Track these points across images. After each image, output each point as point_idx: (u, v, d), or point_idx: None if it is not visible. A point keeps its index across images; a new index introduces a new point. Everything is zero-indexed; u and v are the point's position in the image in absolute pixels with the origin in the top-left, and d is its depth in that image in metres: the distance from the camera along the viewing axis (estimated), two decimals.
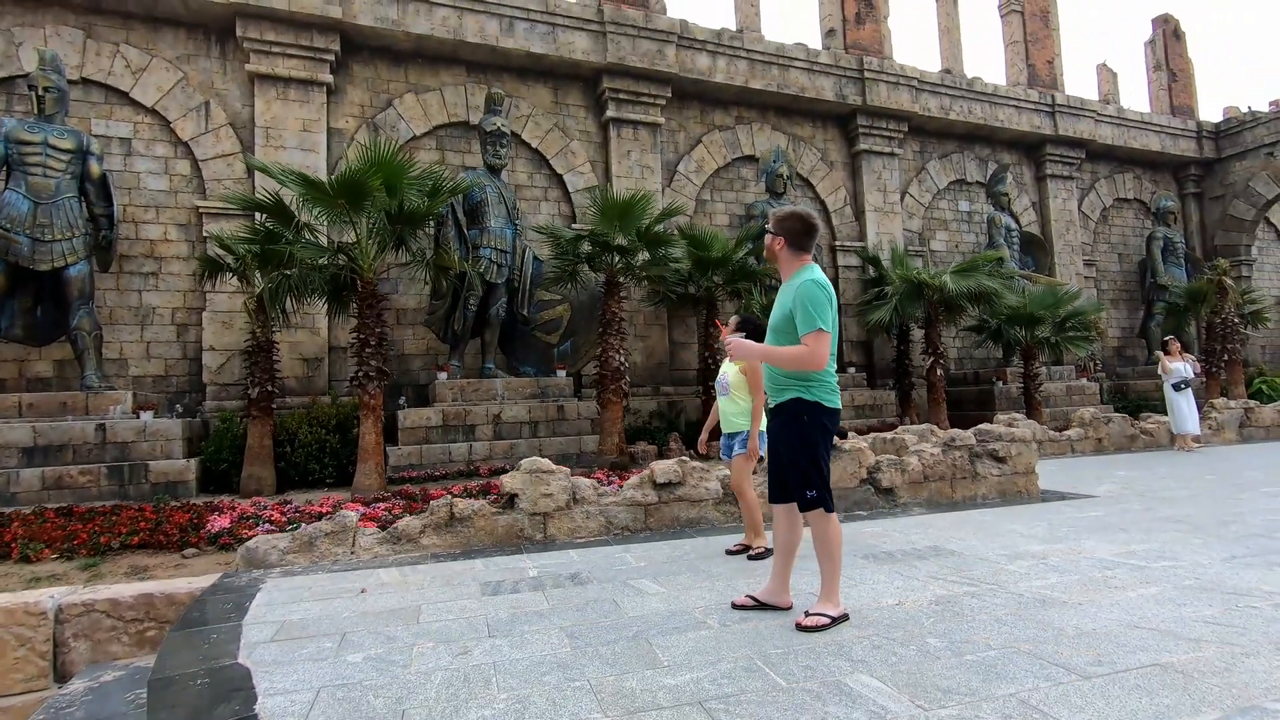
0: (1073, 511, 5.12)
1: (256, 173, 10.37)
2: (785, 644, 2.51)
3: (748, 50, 13.50)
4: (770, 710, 1.97)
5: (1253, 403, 10.70)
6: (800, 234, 2.91)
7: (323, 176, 10.51)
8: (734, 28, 14.14)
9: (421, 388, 11.07)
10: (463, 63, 11.97)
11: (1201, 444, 9.77)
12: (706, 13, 71.46)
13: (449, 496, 4.32)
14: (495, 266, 10.59)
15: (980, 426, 5.59)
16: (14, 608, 3.23)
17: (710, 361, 11.74)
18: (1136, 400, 15.31)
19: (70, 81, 9.39)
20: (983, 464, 5.42)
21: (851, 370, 13.31)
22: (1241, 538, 4.15)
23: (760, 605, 2.94)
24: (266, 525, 5.32)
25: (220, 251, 8.83)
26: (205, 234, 10.24)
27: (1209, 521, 4.63)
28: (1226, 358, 14.43)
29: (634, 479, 4.62)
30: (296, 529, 4.37)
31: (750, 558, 4.07)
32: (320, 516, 5.42)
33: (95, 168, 9.06)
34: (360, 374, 8.10)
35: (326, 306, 9.37)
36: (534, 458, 4.31)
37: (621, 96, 12.56)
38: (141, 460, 8.40)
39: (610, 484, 5.77)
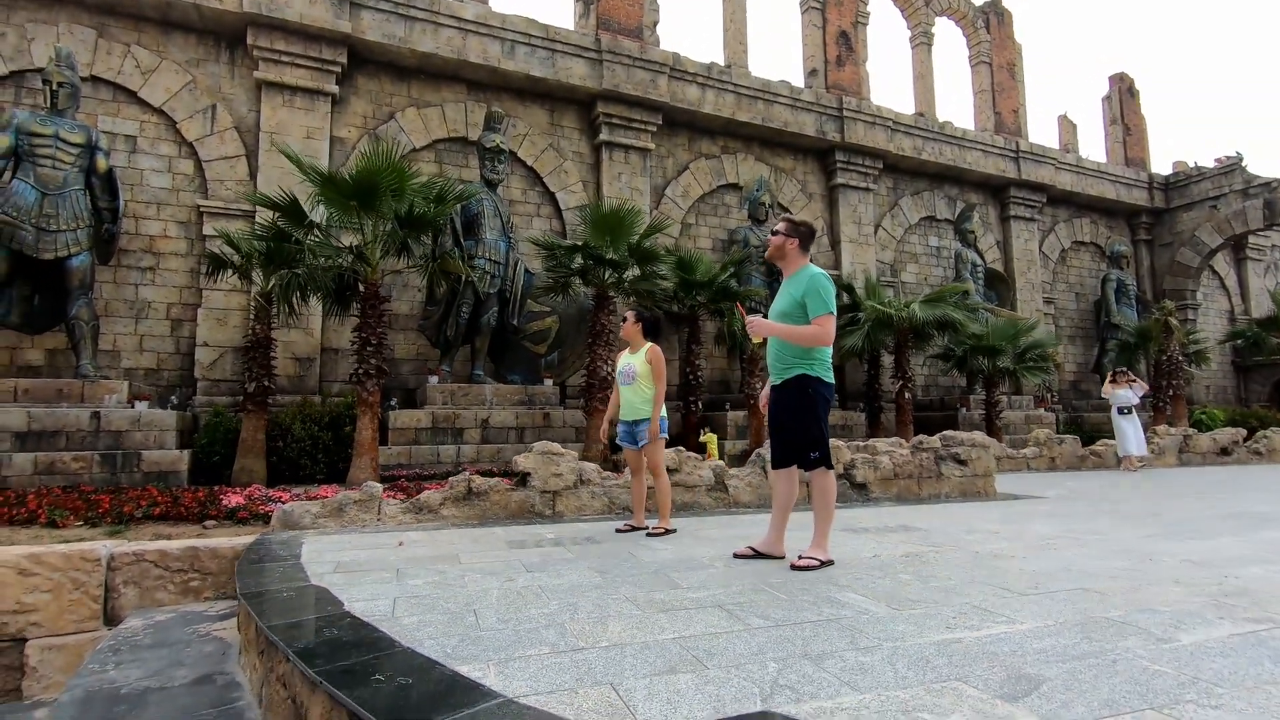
0: (1024, 507, 5.70)
1: (258, 177, 10.69)
2: (783, 577, 2.95)
3: (735, 84, 14.24)
4: (776, 609, 2.40)
5: (1191, 430, 11.52)
6: (808, 237, 3.45)
7: None
8: (723, 63, 14.90)
9: (410, 391, 11.32)
10: (464, 81, 12.46)
11: (1145, 465, 10.50)
12: (697, 46, 73.72)
13: (467, 473, 4.67)
14: (489, 276, 10.98)
15: (945, 432, 6.13)
16: (71, 554, 3.49)
17: (691, 378, 12.25)
18: (1090, 431, 16.14)
19: (80, 78, 9.64)
20: (947, 465, 5.94)
21: None
22: (1162, 525, 4.81)
23: (758, 554, 3.39)
24: (276, 505, 5.57)
25: (227, 249, 9.09)
26: (206, 233, 10.48)
27: (1138, 515, 5.27)
28: (1171, 393, 15.36)
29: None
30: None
31: (649, 535, 4.29)
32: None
33: (102, 162, 9.28)
34: (360, 371, 8.38)
35: (325, 307, 9.65)
36: (545, 441, 4.69)
37: (615, 121, 13.16)
38: (135, 449, 8.52)
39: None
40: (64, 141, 8.93)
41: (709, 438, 11.40)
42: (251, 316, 9.19)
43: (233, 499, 5.44)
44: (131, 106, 10.47)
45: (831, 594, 2.62)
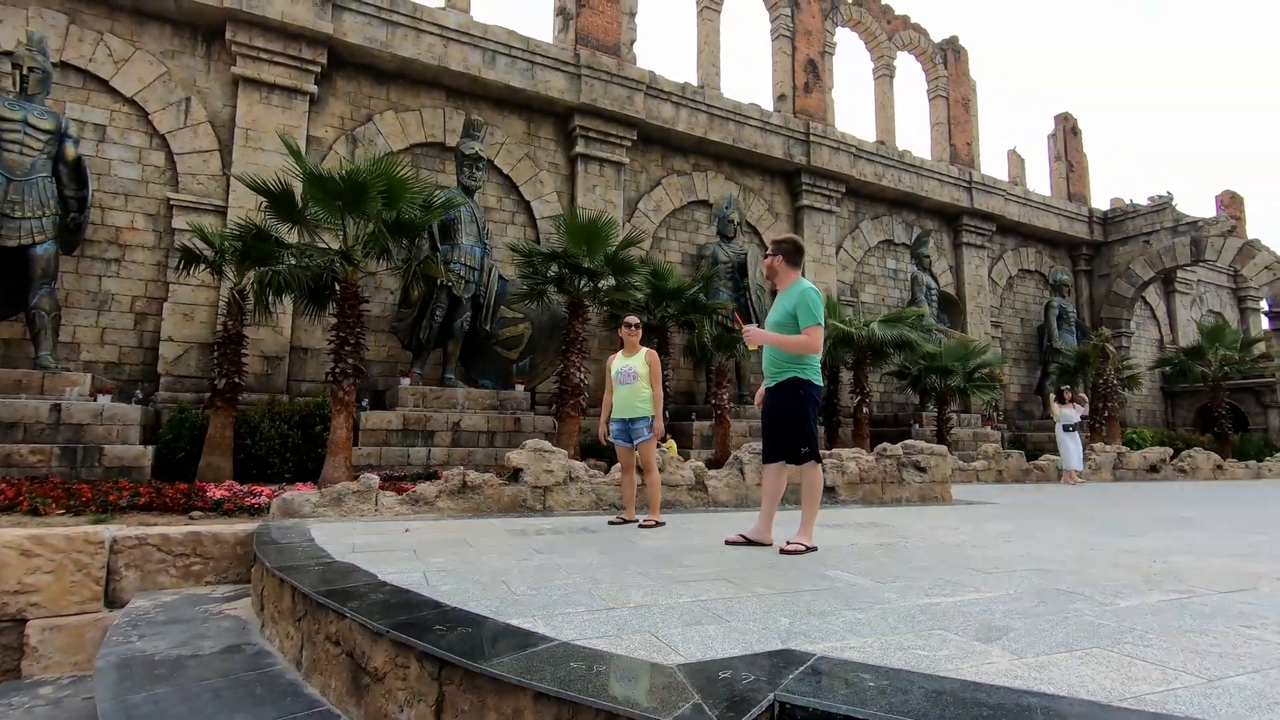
0: (979, 510, 6.19)
1: (232, 172, 10.60)
2: (775, 559, 3.25)
3: (708, 105, 14.72)
4: (777, 581, 2.68)
5: (1124, 449, 12.37)
6: (793, 253, 3.76)
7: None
8: (696, 83, 15.38)
9: (379, 393, 11.31)
10: (443, 88, 12.59)
11: (1084, 480, 11.22)
12: (670, 65, 75.08)
13: (461, 468, 4.83)
14: (464, 282, 11.09)
15: (906, 441, 6.55)
16: (74, 536, 3.52)
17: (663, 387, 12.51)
18: (1033, 449, 16.98)
19: (51, 64, 9.45)
20: (908, 472, 6.35)
21: None
22: (1100, 526, 5.33)
23: (748, 541, 3.67)
24: (261, 498, 5.62)
25: (201, 244, 9.01)
26: (176, 226, 10.34)
27: (1079, 518, 5.80)
28: (1107, 414, 16.34)
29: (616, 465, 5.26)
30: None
31: (641, 526, 4.53)
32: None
33: (71, 150, 9.10)
34: (337, 370, 8.40)
35: (299, 306, 9.61)
36: (537, 439, 4.89)
37: (591, 135, 13.45)
38: (96, 444, 8.34)
39: None
40: (32, 127, 8.74)
41: (669, 444, 11.70)
42: (223, 312, 9.11)
43: (216, 492, 5.46)
44: (102, 95, 10.29)
45: (822, 571, 2.92)
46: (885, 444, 6.51)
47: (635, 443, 4.67)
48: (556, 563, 3.05)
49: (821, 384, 3.71)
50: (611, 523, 4.63)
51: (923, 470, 6.41)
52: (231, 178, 10.52)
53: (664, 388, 12.39)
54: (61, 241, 9.14)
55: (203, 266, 9.14)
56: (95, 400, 8.60)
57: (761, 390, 3.84)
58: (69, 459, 8.10)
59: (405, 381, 10.70)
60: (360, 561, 2.91)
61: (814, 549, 3.51)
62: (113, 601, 3.61)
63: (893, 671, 1.66)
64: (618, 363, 4.83)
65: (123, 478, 8.17)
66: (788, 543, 3.50)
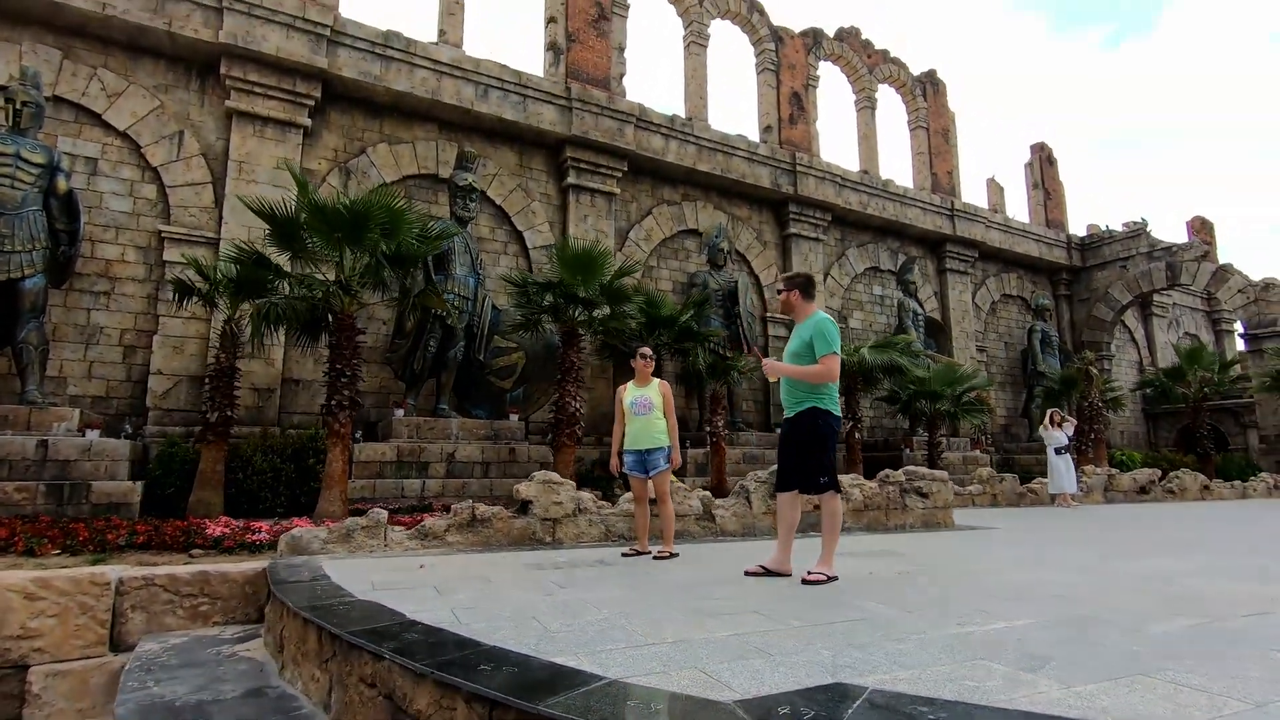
0: (984, 535, 6.20)
1: (225, 205, 10.59)
2: (798, 590, 3.25)
3: (697, 137, 14.97)
4: (807, 613, 2.67)
5: (1115, 470, 12.51)
6: (806, 286, 3.84)
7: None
8: (684, 115, 15.66)
9: (372, 425, 11.19)
10: (436, 120, 12.72)
11: (1078, 503, 11.32)
12: (658, 96, 76.60)
13: (470, 502, 4.78)
14: (458, 311, 11.09)
15: (908, 467, 6.60)
16: (80, 577, 3.43)
17: None
18: (1022, 472, 17.14)
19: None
20: (911, 498, 6.38)
21: (778, 431, 14.39)
22: (1107, 549, 5.36)
23: (768, 572, 3.67)
24: (261, 535, 5.52)
25: (194, 276, 8.95)
26: (167, 258, 10.28)
27: (1084, 541, 5.86)
28: (1093, 436, 16.56)
29: (627, 494, 5.24)
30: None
31: (656, 558, 4.53)
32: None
33: (62, 184, 9.07)
34: (333, 403, 8.33)
35: (292, 337, 9.54)
36: (545, 471, 4.87)
37: (582, 166, 13.62)
38: (83, 480, 8.17)
39: None
40: (24, 161, 8.71)
41: None
42: (217, 345, 9.02)
43: (215, 529, 5.36)
44: (94, 129, 10.27)
45: (849, 601, 2.92)
46: (887, 470, 6.56)
47: (651, 473, 4.67)
48: (582, 598, 3.02)
49: (839, 413, 3.75)
50: (625, 555, 4.60)
51: (925, 496, 6.45)
52: (236, 202, 10.50)
53: None
54: (51, 275, 9.05)
55: (195, 299, 9.08)
56: (83, 435, 8.44)
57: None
58: (55, 496, 7.91)
59: (399, 412, 10.62)
60: (386, 599, 2.86)
61: (835, 579, 3.51)
62: (117, 645, 3.51)
63: (949, 704, 1.67)
64: (631, 394, 4.84)
65: (111, 514, 8.00)
66: (809, 573, 3.50)
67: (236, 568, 3.85)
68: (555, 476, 4.87)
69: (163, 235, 10.35)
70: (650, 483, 4.68)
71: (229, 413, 8.72)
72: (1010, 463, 18.14)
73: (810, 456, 3.69)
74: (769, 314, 15.86)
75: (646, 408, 4.77)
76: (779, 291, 4.05)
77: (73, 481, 8.05)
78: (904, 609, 2.81)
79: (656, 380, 4.91)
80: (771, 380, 3.94)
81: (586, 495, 5.05)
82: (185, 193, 10.60)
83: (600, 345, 12.82)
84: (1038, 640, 2.31)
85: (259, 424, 10.23)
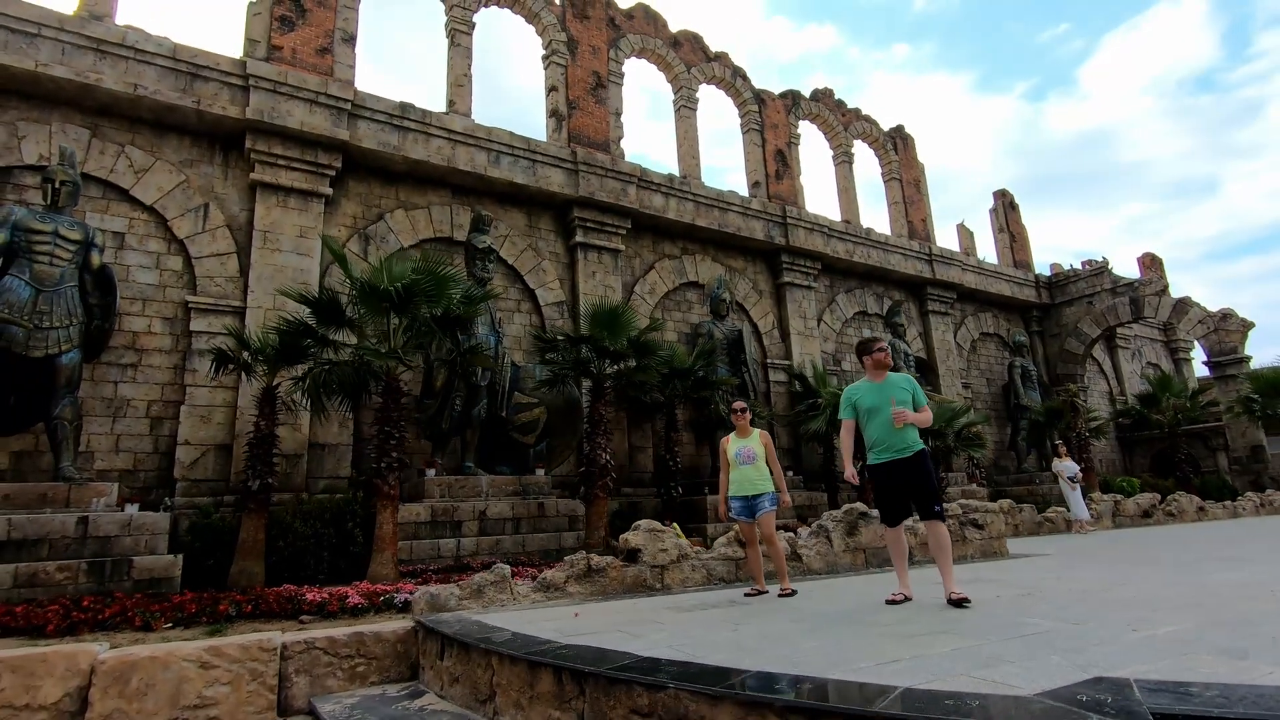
0: (1044, 562, 6.52)
1: (250, 274, 10.72)
2: (954, 612, 3.51)
3: (694, 194, 15.67)
4: (986, 624, 2.95)
5: (1119, 496, 13.12)
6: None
7: (314, 279, 11.07)
8: (679, 174, 16.39)
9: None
10: (449, 186, 13.13)
11: (1093, 528, 11.82)
12: (650, 150, 79.24)
13: (584, 552, 4.95)
14: (480, 369, 11.28)
15: (962, 500, 6.96)
16: (249, 644, 3.50)
17: (671, 464, 12.74)
18: (1016, 502, 17.72)
19: None
20: (969, 530, 6.72)
21: (790, 474, 14.69)
22: (1173, 567, 5.69)
23: (906, 599, 3.97)
24: (357, 599, 5.57)
25: (232, 345, 9.03)
26: (193, 328, 10.32)
27: (1143, 561, 6.20)
28: (1083, 465, 17.24)
29: (722, 539, 5.47)
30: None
31: (780, 595, 4.79)
32: (391, 597, 5.61)
33: (96, 258, 9.13)
34: (383, 465, 8.41)
35: (322, 402, 9.59)
36: (648, 519, 5.08)
37: (589, 225, 14.12)
38: (124, 555, 8.01)
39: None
40: (62, 238, 8.78)
41: (672, 527, 11.81)
42: (255, 412, 9.04)
43: (313, 595, 5.39)
44: (122, 204, 10.40)
45: (1011, 618, 3.22)
46: (947, 504, 6.91)
47: (757, 515, 4.94)
48: (764, 632, 3.24)
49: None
50: (747, 595, 4.82)
51: (980, 527, 6.80)
52: (263, 270, 10.64)
53: (675, 463, 12.72)
54: (84, 349, 9.02)
55: (231, 367, 9.13)
56: (123, 510, 8.31)
57: (850, 467, 4.32)
58: (97, 574, 7.74)
59: (430, 472, 10.65)
60: (587, 642, 3.02)
61: (969, 599, 3.82)
62: (284, 709, 3.56)
63: (1213, 685, 1.96)
64: (734, 445, 5.14)
65: (152, 589, 7.84)
66: (954, 594, 3.81)
67: (387, 627, 3.94)
68: (658, 525, 5.08)
69: (189, 305, 10.40)
70: (757, 525, 4.95)
71: (269, 480, 8.70)
72: (1002, 494, 18.66)
73: (928, 488, 4.22)
74: (769, 360, 16.37)
75: (750, 457, 5.08)
76: (879, 349, 4.53)
77: (114, 558, 7.89)
78: (1064, 620, 3.10)
79: (757, 431, 5.24)
80: (898, 427, 4.27)
81: (684, 542, 5.25)
82: (211, 263, 10.72)
83: (618, 396, 13.07)
84: (1217, 638, 2.62)
85: (288, 490, 10.15)
